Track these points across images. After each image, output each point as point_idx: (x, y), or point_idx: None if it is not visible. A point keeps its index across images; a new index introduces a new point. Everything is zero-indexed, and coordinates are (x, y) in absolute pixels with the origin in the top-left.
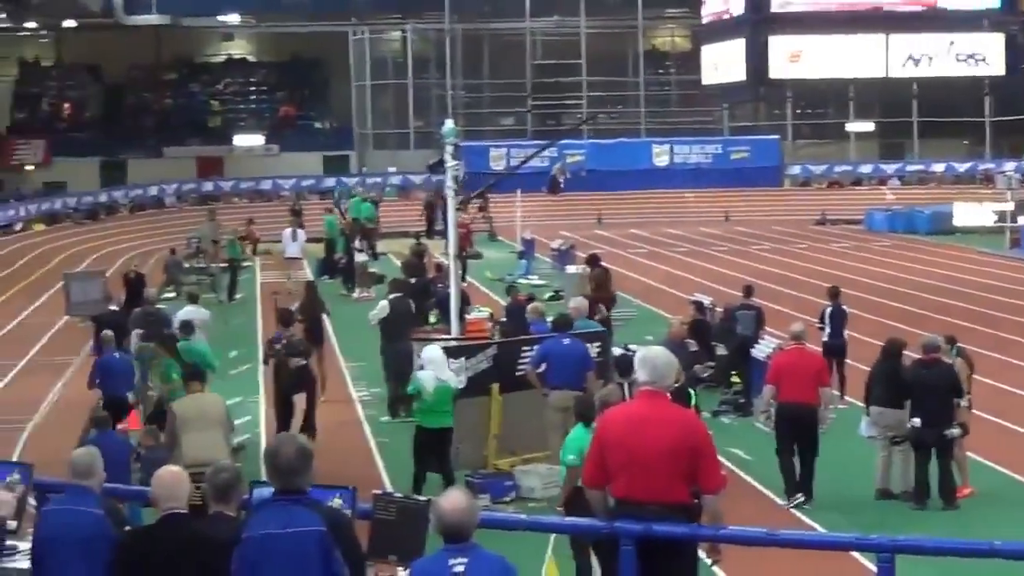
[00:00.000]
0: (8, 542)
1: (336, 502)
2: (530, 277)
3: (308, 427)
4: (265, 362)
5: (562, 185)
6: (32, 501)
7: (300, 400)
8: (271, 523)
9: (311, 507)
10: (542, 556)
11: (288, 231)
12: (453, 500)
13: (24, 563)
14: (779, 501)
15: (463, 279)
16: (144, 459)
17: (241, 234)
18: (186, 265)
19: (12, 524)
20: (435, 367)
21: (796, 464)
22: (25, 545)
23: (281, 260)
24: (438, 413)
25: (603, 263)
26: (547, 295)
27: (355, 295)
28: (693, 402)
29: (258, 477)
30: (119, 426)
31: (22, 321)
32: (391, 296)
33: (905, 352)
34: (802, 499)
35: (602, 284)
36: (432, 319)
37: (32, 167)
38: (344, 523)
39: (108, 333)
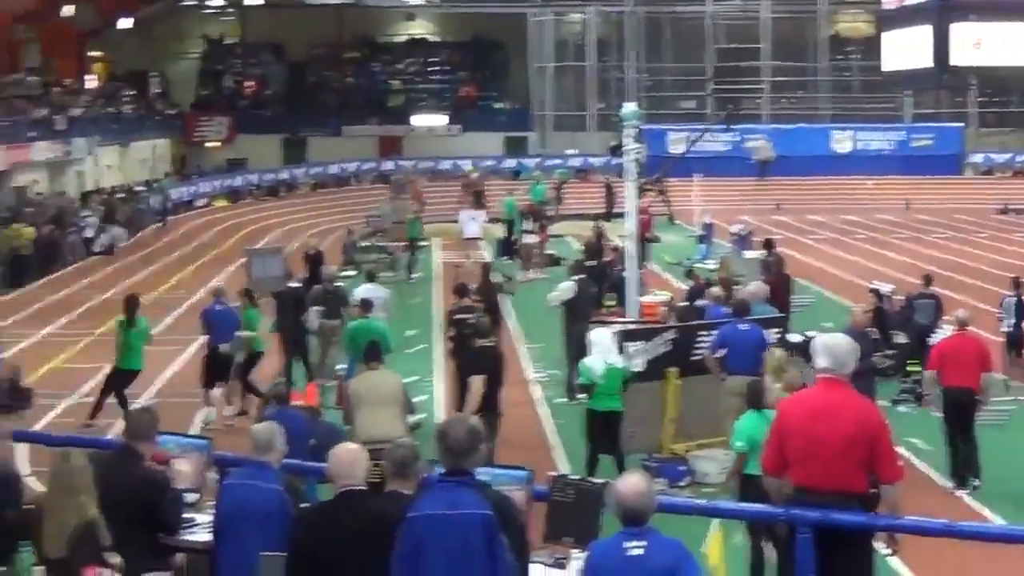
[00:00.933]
0: (188, 515)
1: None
2: (708, 262)
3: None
4: (448, 338)
5: (768, 167)
6: (212, 475)
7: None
8: (437, 504)
9: (478, 489)
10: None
11: (465, 212)
12: (632, 483)
13: (204, 536)
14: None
15: (643, 264)
16: (316, 432)
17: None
18: (363, 244)
19: (193, 497)
20: (602, 350)
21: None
22: (205, 518)
23: (460, 240)
24: (607, 396)
25: (778, 249)
26: None
27: (521, 277)
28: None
29: (434, 456)
30: (295, 401)
31: (202, 298)
32: (574, 278)
33: None
34: (976, 483)
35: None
36: (609, 302)
37: (215, 144)
38: (510, 507)
39: (218, 285)
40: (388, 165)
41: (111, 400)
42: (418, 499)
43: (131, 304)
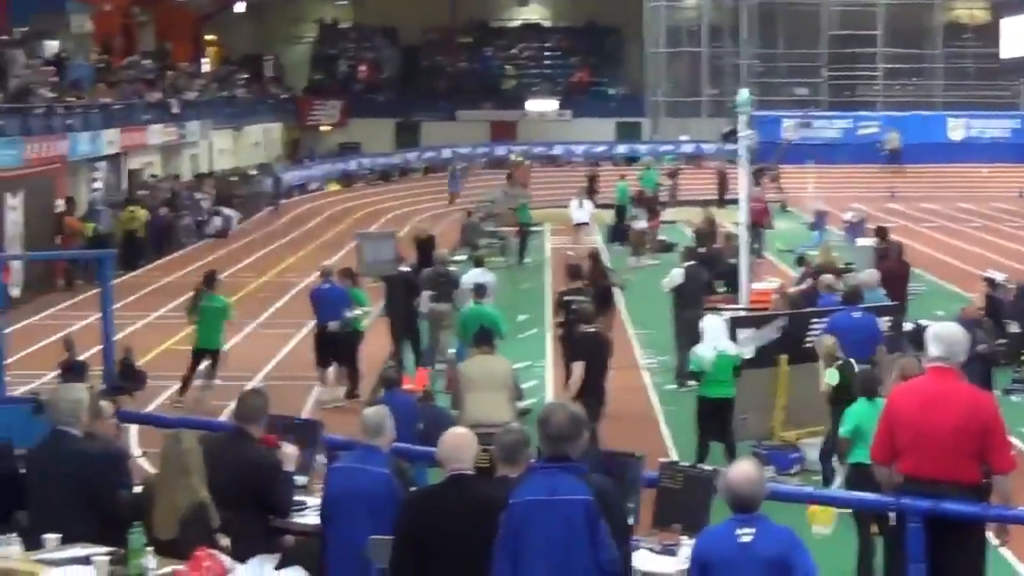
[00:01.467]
0: (298, 498)
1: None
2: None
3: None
4: (556, 324)
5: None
6: (321, 458)
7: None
8: (538, 490)
9: (579, 475)
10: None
11: (576, 199)
12: (742, 471)
13: (312, 518)
14: None
15: (759, 254)
16: (424, 416)
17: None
18: (476, 228)
19: (302, 480)
20: (713, 337)
21: None
22: (314, 501)
23: (570, 226)
24: (718, 383)
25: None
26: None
27: (632, 263)
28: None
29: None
30: (406, 385)
31: (313, 281)
32: (686, 264)
33: None
34: None
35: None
36: (720, 289)
37: (328, 128)
38: (611, 493)
39: (327, 264)
40: (500, 150)
41: (226, 382)
42: (520, 485)
43: (208, 281)
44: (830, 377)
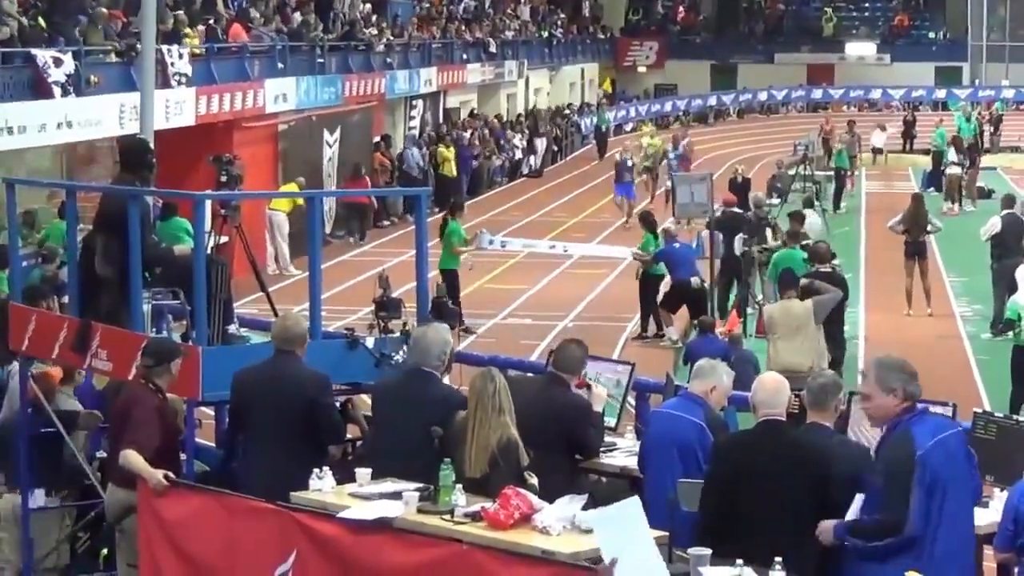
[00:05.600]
0: (608, 439)
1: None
2: None
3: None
4: None
5: None
6: (631, 400)
7: None
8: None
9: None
10: None
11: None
12: None
13: (622, 460)
14: None
15: None
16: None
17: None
18: (791, 173)
19: (610, 421)
20: None
21: None
22: (624, 443)
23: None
24: None
25: None
26: None
27: (945, 209)
28: None
29: (854, 388)
30: (719, 330)
31: (629, 223)
32: (1003, 213)
33: None
34: None
35: None
36: None
37: (644, 69)
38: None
39: (669, 226)
40: (816, 93)
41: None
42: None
43: (452, 209)
44: None
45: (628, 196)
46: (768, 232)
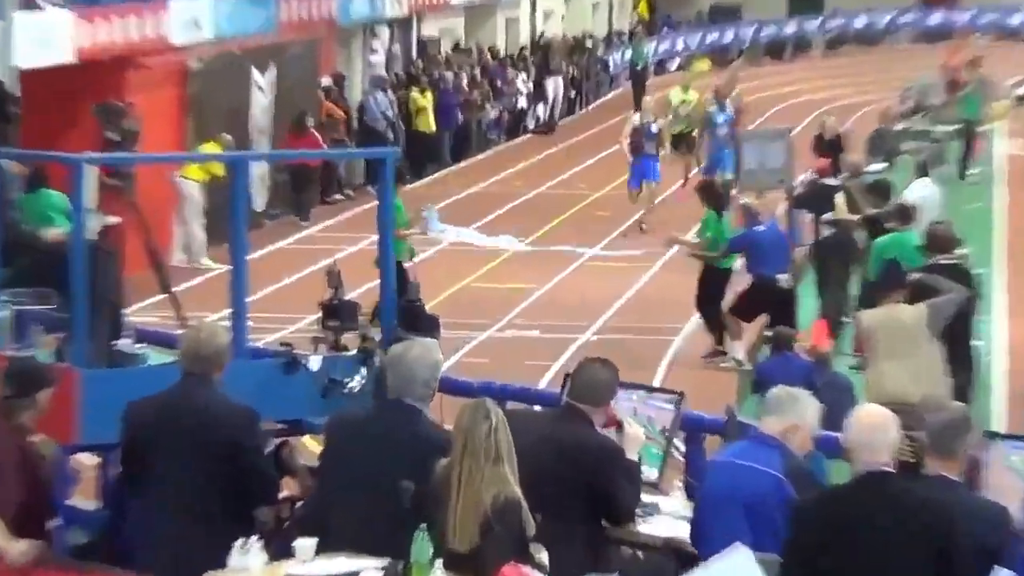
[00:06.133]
0: (647, 498)
1: None
2: None
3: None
4: None
5: None
6: (679, 444)
7: None
8: None
9: None
10: None
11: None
12: None
13: (667, 527)
14: None
15: None
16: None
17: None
18: (898, 128)
19: (651, 473)
20: None
21: None
22: (670, 503)
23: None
24: None
25: None
26: None
27: None
28: None
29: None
30: (800, 346)
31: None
32: None
33: None
34: None
35: None
36: None
37: None
38: None
39: (746, 202)
40: (934, 18)
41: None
42: None
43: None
44: None
45: (651, 178)
46: (839, 199)
